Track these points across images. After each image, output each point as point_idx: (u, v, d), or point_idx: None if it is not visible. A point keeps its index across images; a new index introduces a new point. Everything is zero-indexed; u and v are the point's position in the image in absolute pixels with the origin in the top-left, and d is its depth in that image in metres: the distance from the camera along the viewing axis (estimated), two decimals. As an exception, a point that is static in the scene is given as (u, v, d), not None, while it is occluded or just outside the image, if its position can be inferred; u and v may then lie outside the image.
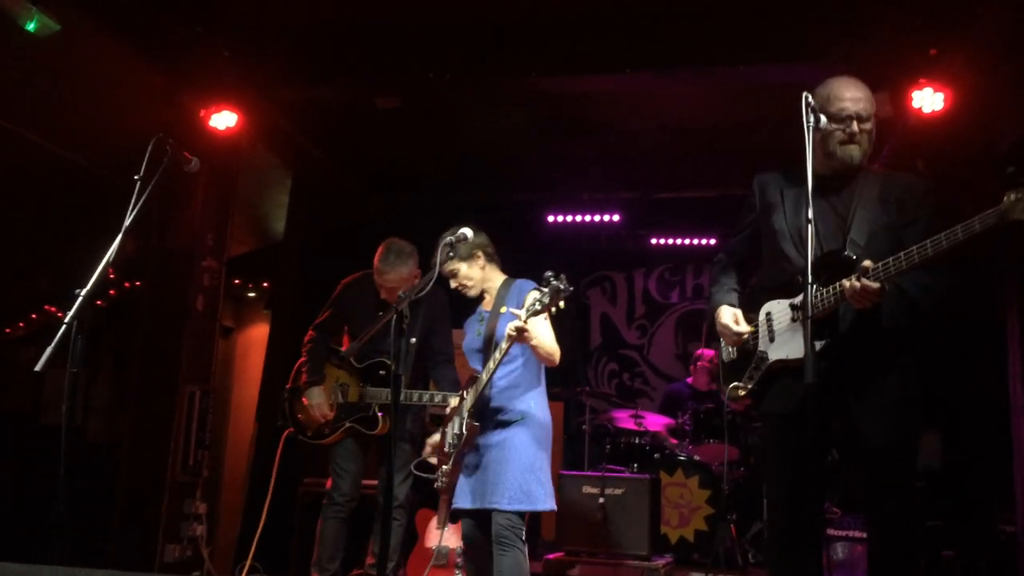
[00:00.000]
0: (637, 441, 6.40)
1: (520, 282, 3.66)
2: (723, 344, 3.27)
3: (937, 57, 4.69)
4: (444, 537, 4.81)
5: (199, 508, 5.37)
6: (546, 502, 3.41)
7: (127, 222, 2.99)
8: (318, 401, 4.43)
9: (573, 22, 4.97)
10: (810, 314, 2.53)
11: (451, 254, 3.34)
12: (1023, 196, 2.47)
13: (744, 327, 3.14)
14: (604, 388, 8.38)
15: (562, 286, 3.03)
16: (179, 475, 5.22)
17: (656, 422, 6.48)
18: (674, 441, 6.39)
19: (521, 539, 3.35)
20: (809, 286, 2.56)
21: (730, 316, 3.19)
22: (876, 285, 2.72)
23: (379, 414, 4.38)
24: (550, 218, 7.91)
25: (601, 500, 5.10)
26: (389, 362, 4.37)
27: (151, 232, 5.38)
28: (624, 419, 6.41)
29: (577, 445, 6.79)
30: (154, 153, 3.19)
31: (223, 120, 5.37)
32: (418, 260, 4.42)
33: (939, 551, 4.98)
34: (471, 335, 3.69)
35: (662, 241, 8.33)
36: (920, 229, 2.78)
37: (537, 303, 3.10)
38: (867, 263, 2.74)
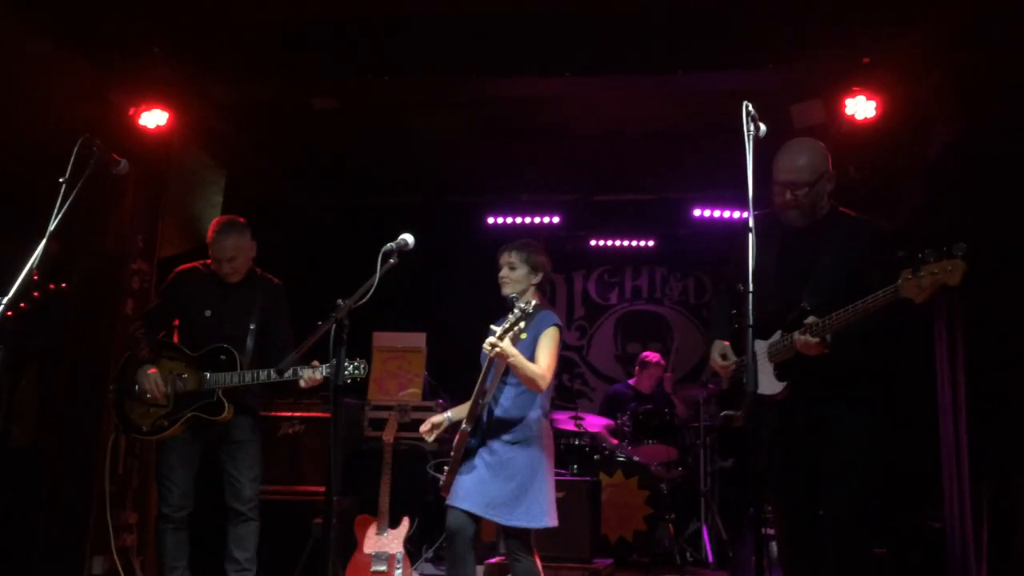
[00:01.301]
0: (576, 442, 6.43)
1: (546, 312, 3.85)
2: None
3: (870, 66, 4.80)
4: (383, 543, 4.77)
5: (129, 518, 5.21)
6: (540, 519, 3.62)
7: (51, 227, 2.87)
8: (152, 378, 4.23)
9: (513, 25, 4.95)
10: (750, 322, 2.57)
11: (393, 261, 3.29)
12: (910, 277, 2.76)
13: (729, 361, 3.40)
14: (544, 389, 8.38)
15: (529, 309, 3.42)
16: (108, 484, 5.05)
17: (595, 423, 6.51)
18: (614, 442, 6.43)
19: (529, 548, 3.66)
20: (750, 294, 2.60)
21: (718, 351, 3.44)
22: (815, 340, 3.01)
23: (223, 400, 4.23)
24: (490, 220, 7.91)
25: (542, 503, 5.09)
26: (228, 347, 4.27)
27: (78, 234, 5.20)
28: (564, 420, 6.43)
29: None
30: (80, 154, 3.08)
31: (153, 118, 5.23)
32: (251, 234, 4.47)
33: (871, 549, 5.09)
34: None
35: (601, 243, 8.41)
36: (877, 280, 2.94)
37: (504, 328, 3.40)
38: (809, 320, 3.05)
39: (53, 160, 3.24)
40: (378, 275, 3.21)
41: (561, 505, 5.12)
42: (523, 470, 3.64)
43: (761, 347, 3.26)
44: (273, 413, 5.62)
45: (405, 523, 4.83)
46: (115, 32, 4.90)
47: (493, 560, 5.08)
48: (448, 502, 3.70)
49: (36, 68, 4.82)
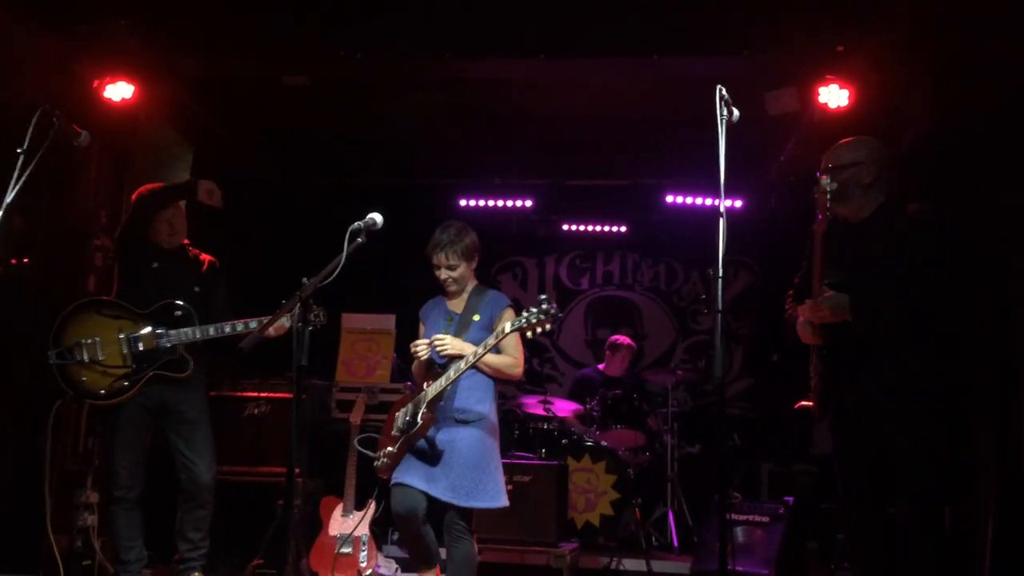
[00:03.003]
0: (545, 427, 6.42)
1: (494, 293, 3.87)
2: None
3: (843, 54, 4.81)
4: (349, 525, 4.74)
5: (90, 498, 5.12)
6: (497, 499, 3.64)
7: (8, 198, 2.81)
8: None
9: (490, 5, 4.89)
10: (720, 307, 2.56)
11: (360, 240, 3.24)
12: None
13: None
14: (513, 373, 8.38)
15: (552, 311, 3.29)
16: (68, 463, 4.98)
17: (564, 408, 6.51)
18: (582, 427, 6.44)
19: (470, 531, 3.64)
20: (719, 279, 2.59)
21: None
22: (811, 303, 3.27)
23: (187, 356, 4.17)
24: (462, 202, 7.87)
25: (509, 487, 5.08)
26: (183, 303, 4.21)
27: (40, 208, 5.09)
28: (533, 405, 6.43)
29: (486, 431, 6.76)
30: (39, 124, 3.01)
31: (118, 91, 5.13)
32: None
33: (834, 534, 5.15)
34: (438, 330, 3.78)
35: (573, 227, 8.40)
36: (917, 266, 3.19)
37: (524, 320, 3.30)
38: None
39: (13, 131, 3.16)
40: (345, 254, 3.18)
41: (528, 489, 5.17)
42: (480, 450, 3.65)
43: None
44: (238, 394, 5.57)
45: (371, 505, 4.80)
46: (78, 1, 4.78)
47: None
48: (401, 481, 3.63)
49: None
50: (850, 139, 3.52)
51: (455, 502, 3.57)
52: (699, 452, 6.90)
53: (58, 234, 5.17)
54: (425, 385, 3.71)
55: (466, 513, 3.63)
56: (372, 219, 3.28)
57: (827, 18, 4.68)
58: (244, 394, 5.59)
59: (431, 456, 3.65)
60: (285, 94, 5.83)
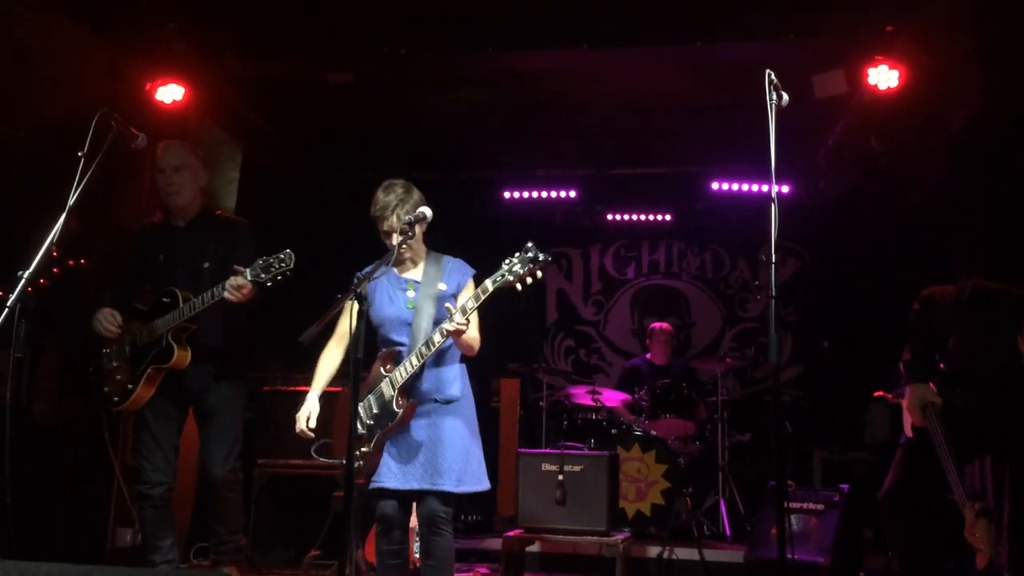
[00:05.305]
0: (594, 417, 6.44)
1: (454, 259, 3.57)
2: None
3: (893, 35, 4.73)
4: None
5: (148, 490, 5.24)
6: (483, 482, 3.44)
7: (71, 200, 2.88)
8: (103, 317, 3.99)
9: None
10: (773, 293, 2.55)
11: (411, 235, 3.26)
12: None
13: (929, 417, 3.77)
14: (561, 364, 8.41)
15: (540, 256, 3.01)
16: (130, 458, 5.10)
17: (613, 398, 6.51)
18: (631, 416, 6.43)
19: (451, 522, 3.39)
20: (772, 265, 2.58)
21: (920, 398, 3.83)
22: None
23: (172, 343, 3.91)
24: (506, 194, 7.88)
25: (560, 478, 5.10)
26: (170, 288, 3.99)
27: (96, 209, 5.21)
28: (581, 395, 6.43)
29: (534, 422, 6.80)
30: (99, 128, 3.08)
31: (170, 93, 5.24)
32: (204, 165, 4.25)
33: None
34: (398, 304, 3.47)
35: (618, 217, 8.38)
36: None
37: (508, 273, 3.03)
38: None
39: (70, 136, 3.25)
40: (396, 249, 3.21)
41: (579, 479, 5.18)
42: (462, 430, 3.40)
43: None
44: (290, 388, 5.64)
45: (424, 496, 4.84)
46: (129, 7, 4.88)
47: (511, 533, 5.10)
48: (382, 484, 3.35)
49: (50, 44, 4.82)
50: None
51: (445, 488, 3.30)
52: (749, 440, 6.85)
53: (114, 235, 5.29)
54: (383, 369, 3.39)
55: (449, 501, 3.37)
56: (422, 212, 3.30)
57: (876, -1, 4.62)
58: (296, 388, 5.66)
59: (407, 447, 3.36)
60: (329, 91, 5.89)
